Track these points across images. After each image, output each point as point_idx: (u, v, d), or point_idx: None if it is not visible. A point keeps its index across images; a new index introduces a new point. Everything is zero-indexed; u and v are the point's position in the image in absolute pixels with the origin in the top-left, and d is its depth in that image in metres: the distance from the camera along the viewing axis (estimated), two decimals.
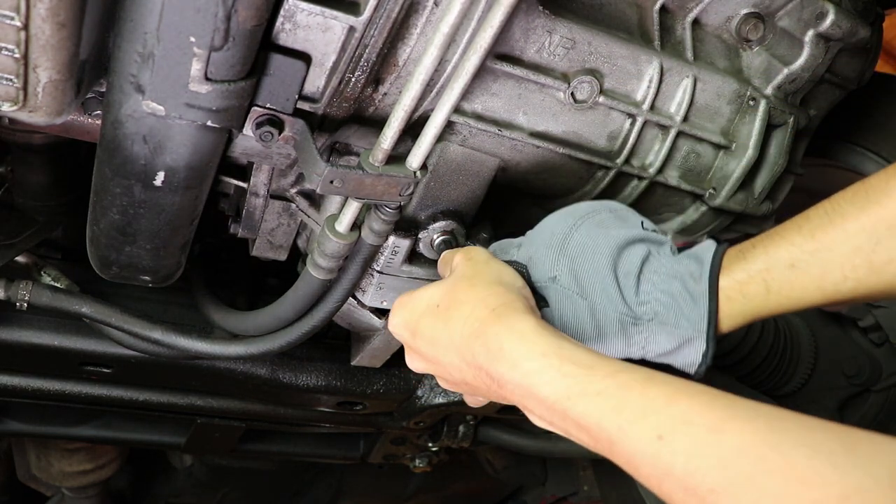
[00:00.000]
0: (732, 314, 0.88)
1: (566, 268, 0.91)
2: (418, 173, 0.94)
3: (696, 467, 0.57)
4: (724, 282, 0.88)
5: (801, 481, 0.53)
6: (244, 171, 1.18)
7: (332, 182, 0.90)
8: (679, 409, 0.61)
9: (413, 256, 1.11)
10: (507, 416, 1.90)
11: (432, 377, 1.66)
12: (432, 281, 1.07)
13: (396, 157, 0.93)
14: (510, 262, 0.94)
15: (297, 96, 0.90)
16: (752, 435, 0.57)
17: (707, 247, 0.91)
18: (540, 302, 0.91)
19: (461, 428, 1.91)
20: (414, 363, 0.91)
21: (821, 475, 0.52)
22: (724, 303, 0.88)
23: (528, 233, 0.99)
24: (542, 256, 0.93)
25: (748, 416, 0.59)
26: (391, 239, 1.06)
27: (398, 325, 0.90)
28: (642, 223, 0.96)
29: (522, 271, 0.93)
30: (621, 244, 0.91)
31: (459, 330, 0.80)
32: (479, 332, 0.77)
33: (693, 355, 0.88)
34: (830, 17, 1.10)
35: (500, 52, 0.96)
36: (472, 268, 0.88)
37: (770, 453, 0.55)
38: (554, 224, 0.96)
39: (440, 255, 1.07)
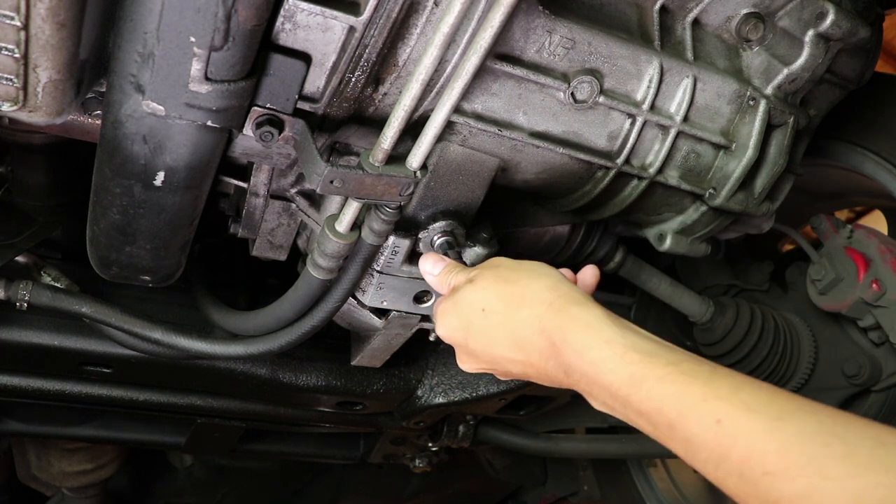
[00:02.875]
0: None
1: None
2: (418, 173, 0.94)
3: (755, 451, 0.59)
4: None
5: (863, 466, 0.54)
6: (244, 171, 1.18)
7: (332, 182, 0.90)
8: (741, 398, 0.63)
9: (413, 256, 1.11)
10: (507, 416, 1.90)
11: (433, 377, 1.66)
12: None
13: (396, 157, 0.93)
14: None
15: (297, 96, 0.90)
16: (816, 425, 0.59)
17: None
18: None
19: (461, 428, 1.91)
20: (467, 364, 0.94)
21: (883, 462, 0.54)
22: None
23: None
24: None
25: (811, 409, 0.61)
26: (391, 239, 1.06)
27: (449, 330, 0.92)
28: None
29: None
30: None
31: (519, 329, 0.83)
32: (542, 327, 0.80)
33: None
34: (830, 17, 1.10)
35: (500, 52, 0.96)
36: (504, 271, 0.89)
37: (834, 441, 0.56)
38: None
39: (442, 254, 1.07)
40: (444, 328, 0.93)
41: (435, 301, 1.13)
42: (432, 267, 1.01)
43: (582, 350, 0.75)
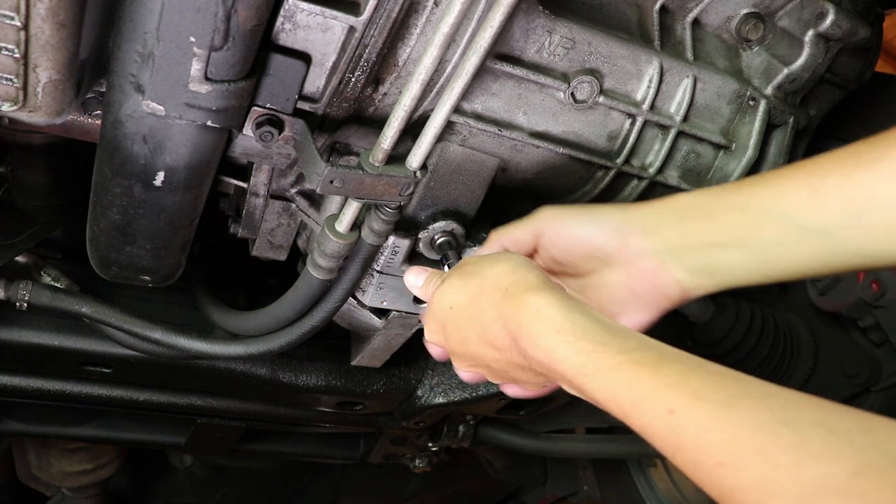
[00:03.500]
0: None
1: None
2: (418, 173, 0.94)
3: (706, 441, 0.58)
4: None
5: (814, 456, 0.52)
6: (244, 171, 1.18)
7: (332, 182, 0.90)
8: (691, 386, 0.61)
9: (413, 256, 1.11)
10: (507, 416, 1.90)
11: (433, 377, 1.66)
12: None
13: (396, 157, 0.93)
14: None
15: (297, 96, 0.90)
16: (765, 412, 0.57)
17: None
18: None
19: (461, 428, 1.91)
20: (458, 366, 0.93)
21: (835, 451, 0.52)
22: None
23: None
24: None
25: (761, 395, 0.59)
26: (391, 239, 1.06)
27: (431, 334, 0.92)
28: None
29: None
30: None
31: (482, 321, 0.81)
32: (499, 315, 0.79)
33: None
34: (830, 17, 1.10)
35: (500, 52, 0.96)
36: (468, 266, 0.89)
37: (783, 429, 0.55)
38: None
39: (441, 255, 1.07)
40: (428, 332, 0.94)
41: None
42: (416, 279, 1.00)
43: (535, 338, 0.74)
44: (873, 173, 0.72)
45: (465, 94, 0.91)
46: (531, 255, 0.95)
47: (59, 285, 1.31)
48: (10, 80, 0.73)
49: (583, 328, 0.71)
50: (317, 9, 0.82)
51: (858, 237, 0.74)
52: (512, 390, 0.93)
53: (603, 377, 0.67)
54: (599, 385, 0.67)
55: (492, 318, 0.80)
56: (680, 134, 1.11)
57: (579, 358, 0.69)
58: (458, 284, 0.87)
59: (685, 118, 1.10)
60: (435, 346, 0.95)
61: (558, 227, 0.91)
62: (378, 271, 1.12)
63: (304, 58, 0.87)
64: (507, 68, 0.96)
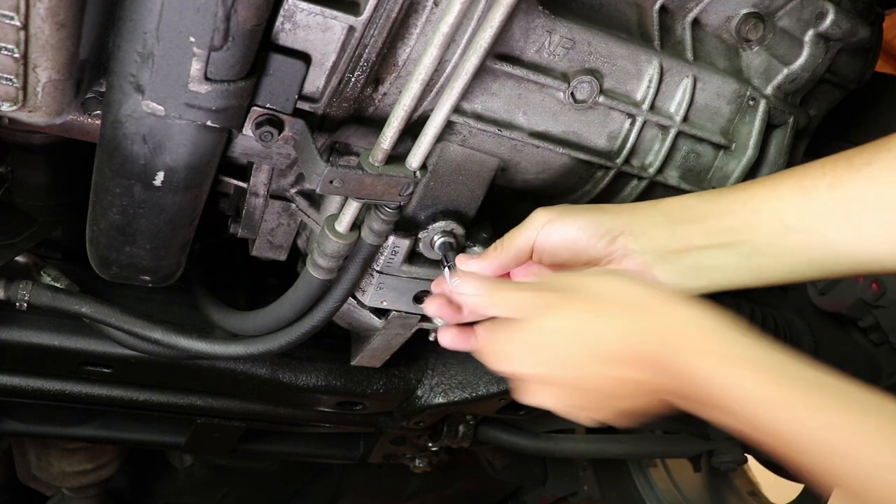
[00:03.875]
0: None
1: None
2: (418, 173, 0.94)
3: (877, 483, 0.58)
4: None
5: None
6: (244, 171, 1.18)
7: (331, 182, 0.90)
8: (858, 425, 0.61)
9: (413, 256, 1.11)
10: (507, 416, 1.90)
11: (433, 377, 1.66)
12: (431, 281, 1.08)
13: (396, 157, 0.93)
14: None
15: (296, 96, 0.90)
16: None
17: None
18: None
19: (461, 428, 1.91)
20: (543, 399, 0.82)
21: None
22: None
23: None
24: None
25: None
26: (391, 239, 1.06)
27: (515, 366, 0.81)
28: None
29: None
30: None
31: (598, 337, 0.75)
32: (628, 330, 0.74)
33: None
34: (830, 17, 1.10)
35: (499, 52, 0.96)
36: (563, 287, 0.81)
37: None
38: None
39: (442, 255, 1.06)
40: (509, 363, 0.81)
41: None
42: (474, 289, 0.88)
43: (696, 356, 0.69)
44: (863, 176, 0.73)
45: (465, 94, 0.91)
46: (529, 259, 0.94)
47: (59, 285, 1.31)
48: (10, 80, 0.73)
49: (754, 357, 0.68)
50: (317, 9, 0.82)
51: (848, 239, 0.74)
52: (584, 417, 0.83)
53: (766, 408, 0.64)
54: (762, 416, 0.64)
55: (614, 334, 0.74)
56: (680, 134, 1.11)
57: (762, 390, 0.65)
58: (560, 307, 0.78)
59: (685, 118, 1.10)
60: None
61: (550, 232, 0.89)
62: (378, 271, 1.12)
63: (304, 58, 0.87)
64: (507, 68, 0.96)
